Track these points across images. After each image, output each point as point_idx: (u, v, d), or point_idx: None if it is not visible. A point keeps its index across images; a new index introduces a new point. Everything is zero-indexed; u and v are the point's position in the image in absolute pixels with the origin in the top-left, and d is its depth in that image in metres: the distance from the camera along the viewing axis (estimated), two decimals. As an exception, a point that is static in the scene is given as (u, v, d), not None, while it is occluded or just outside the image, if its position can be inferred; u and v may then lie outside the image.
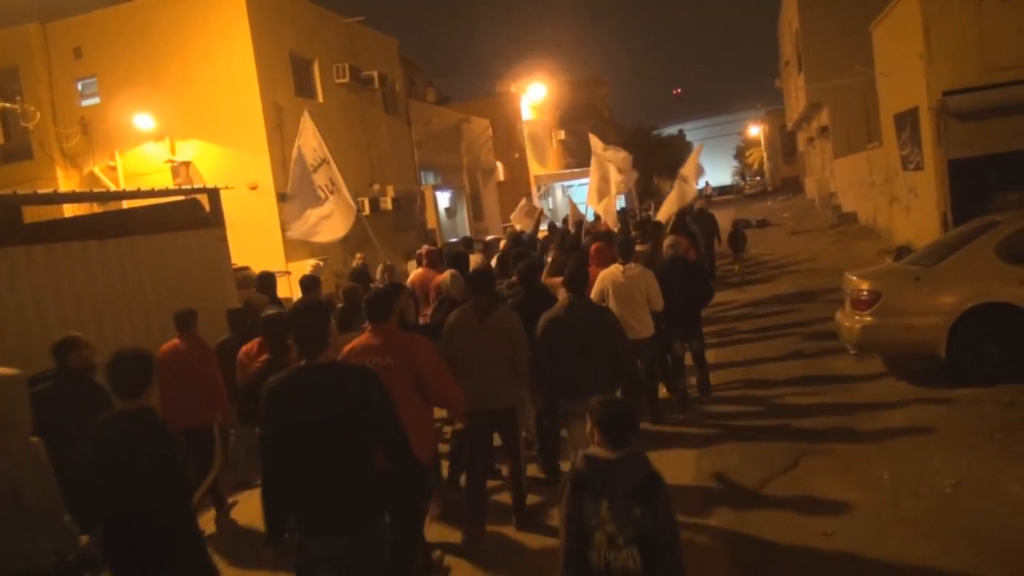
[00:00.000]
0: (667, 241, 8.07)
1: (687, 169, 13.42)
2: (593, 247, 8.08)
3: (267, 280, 8.26)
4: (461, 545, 5.17)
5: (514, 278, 6.69)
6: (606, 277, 6.91)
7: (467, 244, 11.59)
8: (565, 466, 5.80)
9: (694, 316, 7.69)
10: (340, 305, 7.19)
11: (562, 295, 5.59)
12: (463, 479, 5.62)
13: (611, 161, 12.64)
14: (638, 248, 8.14)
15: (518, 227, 14.33)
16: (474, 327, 5.19)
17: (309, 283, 7.58)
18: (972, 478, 5.15)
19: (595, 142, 13.23)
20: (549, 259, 8.95)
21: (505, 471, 5.59)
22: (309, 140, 8.14)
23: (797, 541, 4.75)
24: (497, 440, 5.47)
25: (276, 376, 3.42)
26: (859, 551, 4.54)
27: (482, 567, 4.96)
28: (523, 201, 15.63)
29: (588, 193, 13.20)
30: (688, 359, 7.86)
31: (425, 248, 9.06)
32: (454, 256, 8.01)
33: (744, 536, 4.92)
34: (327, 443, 3.23)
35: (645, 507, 2.85)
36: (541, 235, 14.24)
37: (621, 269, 6.90)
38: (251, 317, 6.92)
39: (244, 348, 5.71)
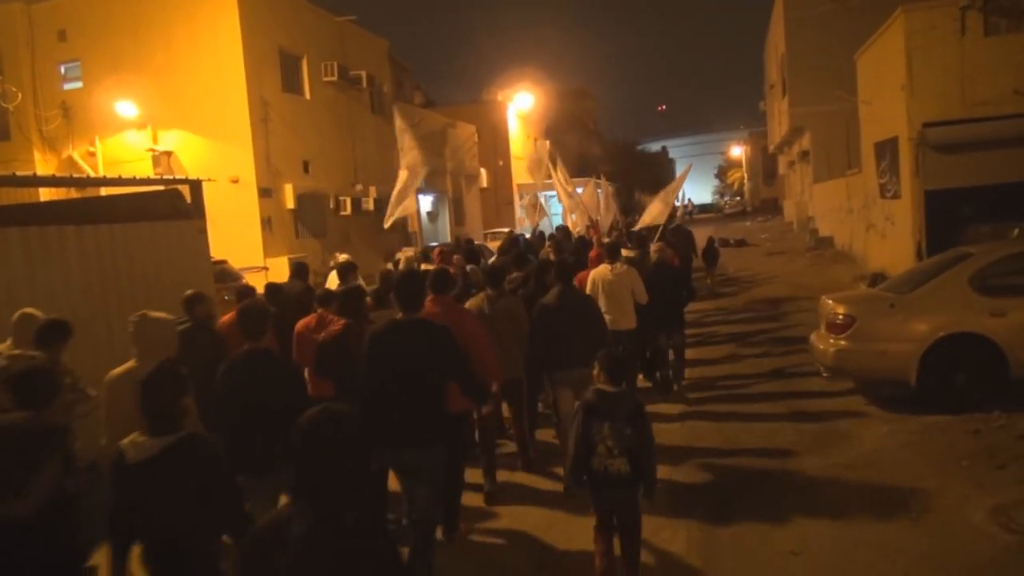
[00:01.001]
0: (655, 248, 8.94)
1: (673, 188, 14.17)
2: (593, 253, 9.45)
3: (300, 269, 9.25)
4: (486, 491, 6.06)
5: (515, 274, 7.66)
6: (597, 276, 7.79)
7: (469, 243, 13.02)
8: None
9: (677, 314, 8.44)
10: (375, 287, 8.01)
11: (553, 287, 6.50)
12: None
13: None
14: (627, 253, 8.90)
15: (526, 220, 15.87)
16: (487, 311, 6.22)
17: (346, 268, 8.30)
18: (937, 504, 5.23)
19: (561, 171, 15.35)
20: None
21: (514, 431, 6.64)
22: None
23: (764, 559, 4.79)
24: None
25: (381, 324, 4.69)
26: (825, 571, 4.60)
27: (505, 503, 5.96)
28: (530, 196, 16.23)
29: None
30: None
31: (437, 248, 10.83)
32: (469, 253, 9.89)
33: (711, 553, 4.95)
34: (414, 375, 4.17)
35: (634, 428, 4.10)
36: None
37: (610, 268, 7.79)
38: (285, 298, 7.73)
39: (303, 322, 6.13)
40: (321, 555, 1.95)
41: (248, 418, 4.12)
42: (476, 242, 21.71)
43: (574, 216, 16.39)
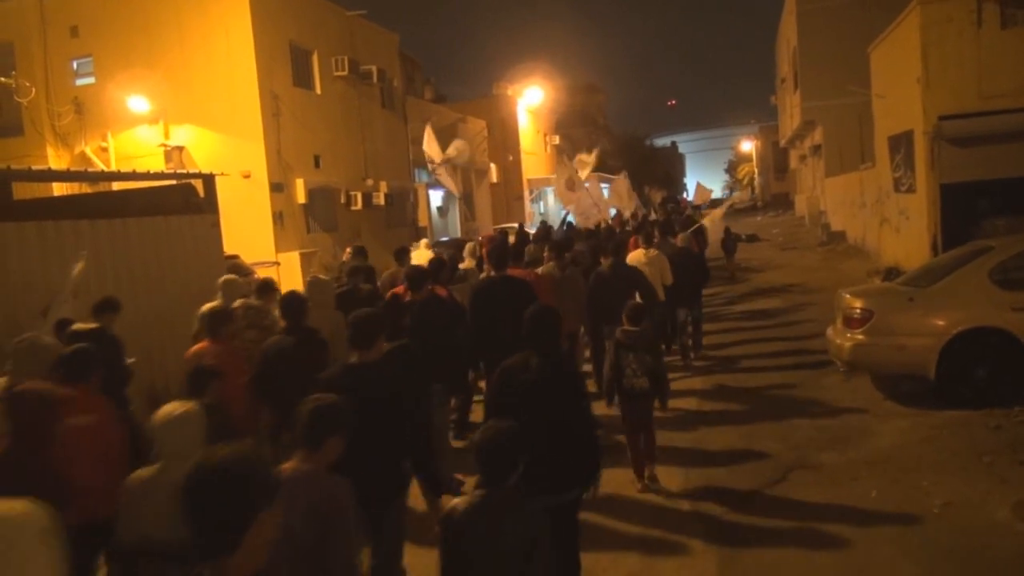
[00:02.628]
0: (680, 237, 10.72)
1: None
2: (631, 239, 11.61)
3: (404, 250, 10.47)
4: None
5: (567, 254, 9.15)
6: (633, 259, 9.21)
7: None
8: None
9: (697, 291, 10.04)
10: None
11: (605, 260, 8.47)
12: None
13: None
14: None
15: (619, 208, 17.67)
16: (556, 276, 8.03)
17: (400, 252, 9.81)
18: (960, 500, 5.17)
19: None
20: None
21: None
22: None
23: (784, 555, 4.75)
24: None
25: (482, 280, 7.12)
26: (846, 568, 4.55)
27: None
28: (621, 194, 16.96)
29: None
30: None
31: (484, 237, 12.98)
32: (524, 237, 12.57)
33: (732, 548, 4.92)
34: (507, 313, 5.33)
35: (652, 357, 5.90)
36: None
37: (644, 253, 9.33)
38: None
39: (397, 289, 7.15)
40: (549, 375, 3.92)
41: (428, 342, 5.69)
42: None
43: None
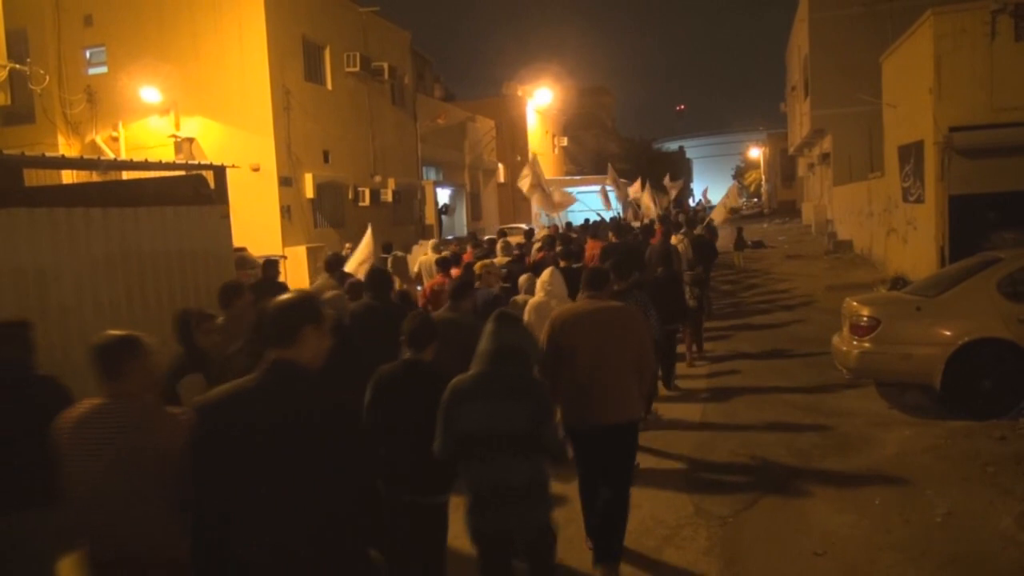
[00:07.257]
0: (697, 230, 14.82)
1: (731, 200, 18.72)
2: (657, 227, 15.13)
3: (388, 247, 12.22)
4: None
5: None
6: (674, 241, 12.69)
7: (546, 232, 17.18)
8: None
9: (709, 263, 13.31)
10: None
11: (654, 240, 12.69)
12: None
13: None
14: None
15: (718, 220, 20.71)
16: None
17: (387, 246, 11.69)
18: (963, 509, 5.17)
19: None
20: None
21: None
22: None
23: (787, 559, 4.76)
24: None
25: (611, 243, 12.10)
26: (849, 573, 4.56)
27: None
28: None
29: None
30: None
31: (544, 233, 14.49)
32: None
33: (734, 552, 4.92)
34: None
35: (699, 288, 10.71)
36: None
37: (677, 237, 13.02)
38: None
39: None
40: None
41: None
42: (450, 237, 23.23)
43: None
